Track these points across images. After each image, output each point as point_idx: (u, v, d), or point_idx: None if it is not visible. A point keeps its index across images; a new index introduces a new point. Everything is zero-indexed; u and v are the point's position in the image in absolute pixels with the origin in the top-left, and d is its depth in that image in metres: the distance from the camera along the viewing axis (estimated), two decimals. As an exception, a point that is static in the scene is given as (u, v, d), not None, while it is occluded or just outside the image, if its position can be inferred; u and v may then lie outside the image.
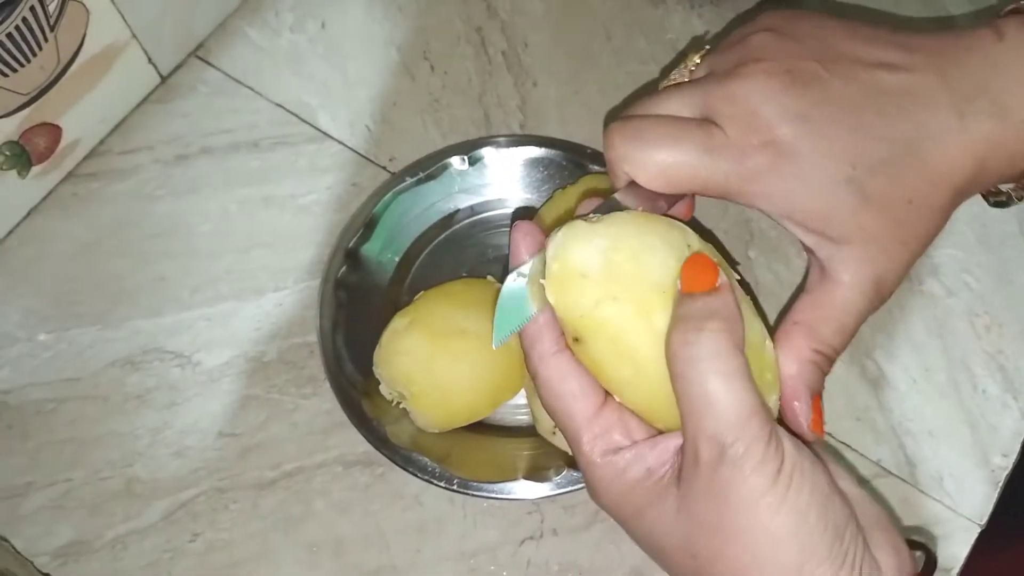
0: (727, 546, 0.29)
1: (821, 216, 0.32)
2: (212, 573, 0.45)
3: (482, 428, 0.47)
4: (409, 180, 0.50)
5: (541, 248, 0.32)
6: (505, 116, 0.56)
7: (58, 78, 0.48)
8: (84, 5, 0.47)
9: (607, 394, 0.32)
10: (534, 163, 0.52)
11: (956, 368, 0.50)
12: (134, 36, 0.52)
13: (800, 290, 0.34)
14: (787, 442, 0.29)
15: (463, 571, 0.45)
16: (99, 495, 0.46)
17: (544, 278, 0.31)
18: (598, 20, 0.59)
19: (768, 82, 0.32)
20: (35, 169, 0.51)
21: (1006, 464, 0.48)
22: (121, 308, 0.50)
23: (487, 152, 0.51)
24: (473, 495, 0.44)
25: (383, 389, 0.45)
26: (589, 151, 0.52)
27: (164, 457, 0.47)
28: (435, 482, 0.44)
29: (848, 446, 0.48)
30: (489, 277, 0.48)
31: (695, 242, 0.32)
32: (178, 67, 0.57)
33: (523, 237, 0.32)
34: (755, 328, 0.32)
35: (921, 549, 0.32)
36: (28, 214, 0.52)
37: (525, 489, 0.44)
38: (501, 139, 0.51)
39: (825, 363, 0.33)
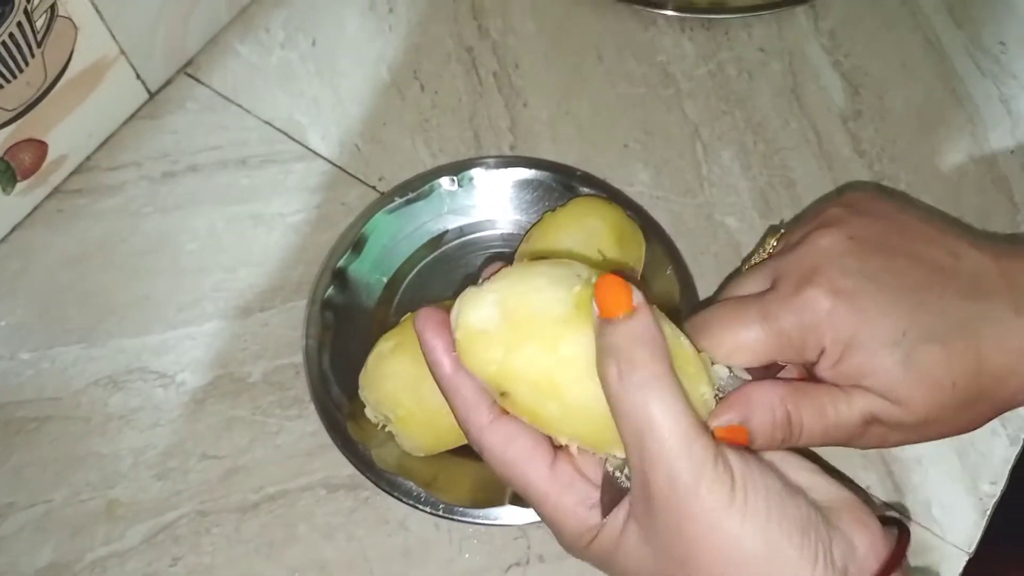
0: (700, 573, 0.29)
1: (864, 370, 0.32)
2: (193, 598, 0.44)
3: (468, 452, 0.46)
4: (398, 200, 0.50)
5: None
6: (495, 137, 0.56)
7: (45, 94, 0.48)
8: (72, 21, 0.47)
9: (556, 447, 0.32)
10: (524, 184, 0.51)
11: (945, 394, 0.50)
12: (122, 52, 0.52)
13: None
14: (731, 455, 0.29)
15: (448, 597, 0.45)
16: (80, 517, 0.46)
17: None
18: (589, 42, 0.59)
19: (834, 244, 0.33)
20: (20, 185, 0.50)
21: (994, 491, 0.48)
22: (105, 326, 0.50)
23: (477, 173, 0.51)
24: (459, 520, 0.44)
25: (369, 412, 0.44)
26: (579, 173, 0.52)
27: (146, 479, 0.47)
28: (420, 507, 0.43)
29: (837, 472, 0.48)
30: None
31: (584, 271, 0.32)
32: (167, 83, 0.57)
33: (426, 325, 0.33)
34: (666, 330, 0.32)
35: (893, 523, 0.32)
36: (12, 230, 0.52)
37: (511, 514, 0.43)
38: (491, 160, 0.51)
39: (784, 430, 0.32)
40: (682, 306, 0.47)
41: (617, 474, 0.31)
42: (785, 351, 0.33)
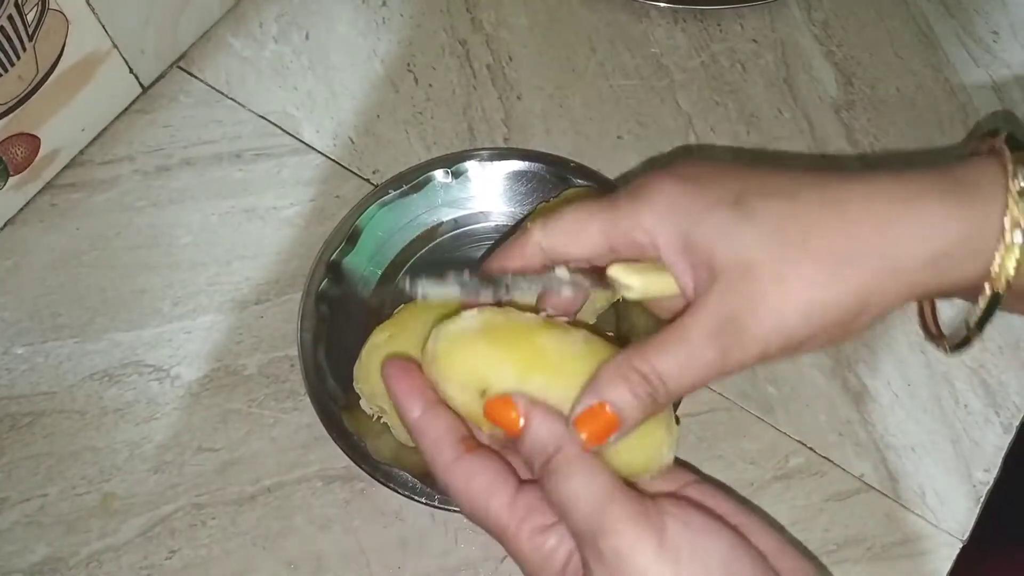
0: None
1: (710, 244, 0.31)
2: (189, 590, 0.44)
3: (464, 443, 0.46)
4: (392, 193, 0.50)
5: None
6: (489, 129, 0.56)
7: (37, 88, 0.48)
8: (64, 15, 0.47)
9: (520, 481, 0.32)
10: (518, 176, 0.51)
11: (939, 383, 0.50)
12: (115, 46, 0.51)
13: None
14: (668, 515, 0.29)
15: (444, 588, 0.45)
16: (75, 511, 0.46)
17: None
18: (582, 34, 0.59)
19: (659, 174, 0.33)
20: (13, 179, 0.50)
21: (988, 479, 0.48)
22: (100, 320, 0.50)
23: (471, 165, 0.51)
24: (454, 511, 0.44)
25: (363, 404, 0.44)
26: (573, 164, 0.51)
27: (142, 472, 0.47)
28: (416, 498, 0.44)
29: (830, 460, 0.48)
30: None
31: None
32: (160, 77, 0.56)
33: (392, 372, 0.34)
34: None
35: None
36: (5, 225, 0.52)
37: (507, 505, 0.43)
38: (485, 152, 0.51)
39: (644, 388, 0.31)
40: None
41: None
42: (625, 243, 0.33)
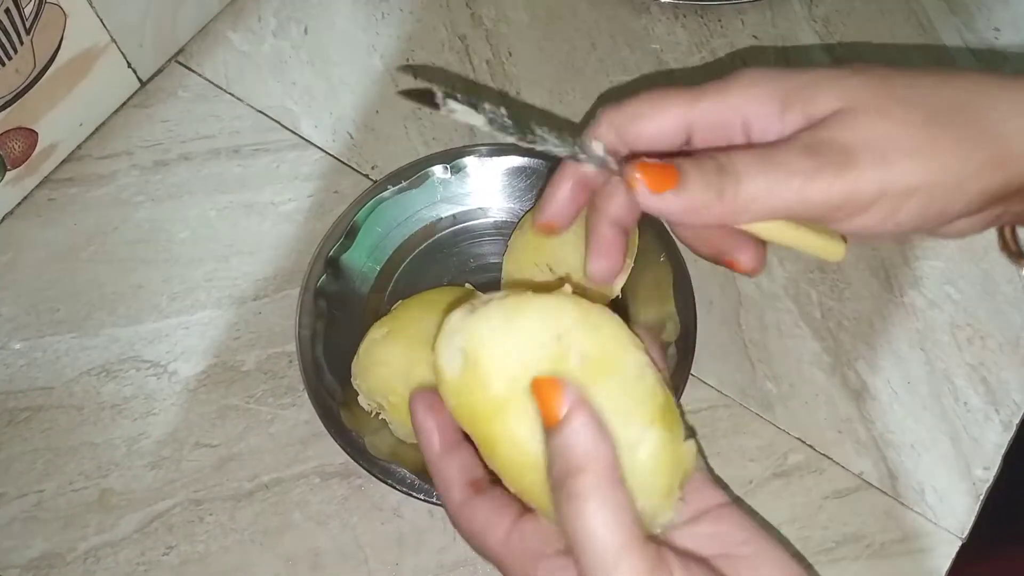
0: None
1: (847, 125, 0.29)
2: (187, 586, 0.44)
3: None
4: (391, 188, 0.50)
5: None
6: (489, 124, 0.55)
7: (34, 82, 0.48)
8: (61, 8, 0.47)
9: (523, 510, 0.32)
10: (517, 172, 0.51)
11: (938, 380, 0.50)
12: (113, 40, 0.51)
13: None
14: (675, 568, 0.28)
15: (442, 584, 0.45)
16: (72, 506, 0.46)
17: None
18: (582, 30, 0.59)
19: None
20: (10, 174, 0.50)
21: (988, 477, 0.48)
22: (98, 316, 0.50)
23: (470, 161, 0.51)
24: (453, 507, 0.44)
25: (362, 400, 0.44)
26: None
27: (139, 468, 0.47)
28: (414, 494, 0.43)
29: (829, 458, 0.48)
30: (468, 285, 0.48)
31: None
32: (158, 72, 0.56)
33: (419, 407, 0.34)
34: (631, 429, 0.30)
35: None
36: (3, 219, 0.52)
37: (505, 501, 0.43)
38: (484, 148, 0.51)
39: (712, 165, 0.29)
40: (676, 294, 0.47)
41: None
42: (707, 124, 0.31)
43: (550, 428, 0.28)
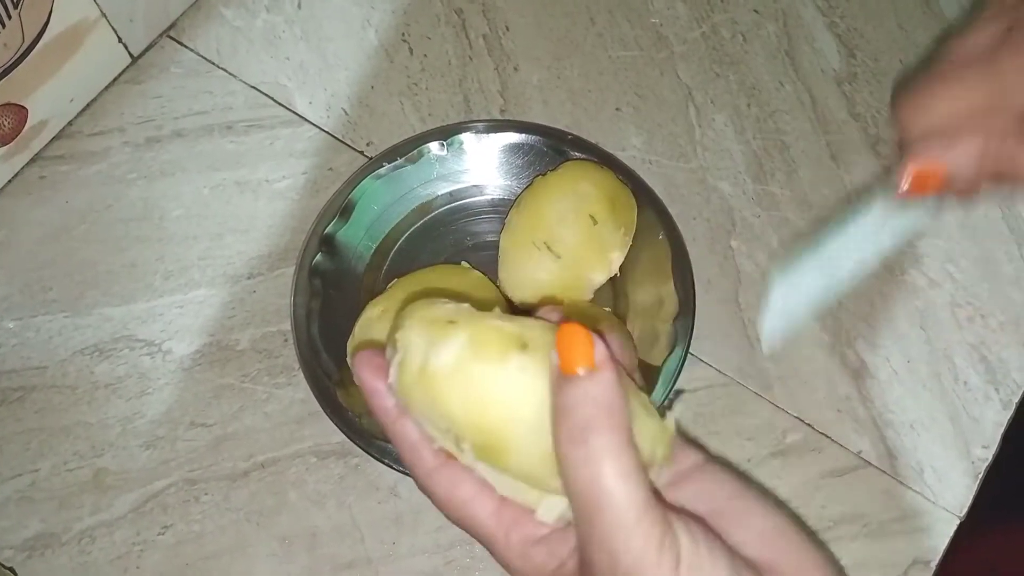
0: None
1: None
2: (182, 566, 0.44)
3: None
4: (386, 165, 0.49)
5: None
6: (485, 101, 0.55)
7: (23, 57, 0.47)
8: (50, -18, 0.46)
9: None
10: (514, 149, 0.51)
11: (938, 359, 0.49)
12: (103, 14, 0.50)
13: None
14: (681, 533, 0.27)
15: (439, 564, 0.44)
16: (67, 486, 0.45)
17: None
18: (581, 4, 0.58)
19: None
20: (0, 151, 0.49)
21: (987, 456, 0.48)
22: (90, 295, 0.49)
23: (466, 137, 0.50)
24: (449, 487, 0.43)
25: (357, 379, 0.44)
26: (570, 137, 0.51)
27: (134, 448, 0.46)
28: (410, 474, 0.43)
29: (828, 437, 0.48)
30: (464, 263, 0.47)
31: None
32: (150, 47, 0.55)
33: (364, 369, 0.31)
34: (639, 397, 0.29)
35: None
36: (-6, 197, 0.51)
37: (502, 481, 0.43)
38: (480, 124, 0.50)
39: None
40: (674, 272, 0.47)
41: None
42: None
43: (570, 377, 0.27)
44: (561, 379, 0.27)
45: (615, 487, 0.26)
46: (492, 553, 0.31)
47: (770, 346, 0.33)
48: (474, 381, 0.28)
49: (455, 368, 0.28)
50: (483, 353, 0.28)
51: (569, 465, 0.27)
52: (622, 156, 0.52)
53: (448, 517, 0.32)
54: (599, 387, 0.26)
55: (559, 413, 0.27)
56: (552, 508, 0.30)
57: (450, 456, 0.30)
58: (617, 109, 0.55)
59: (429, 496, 0.31)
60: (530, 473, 0.29)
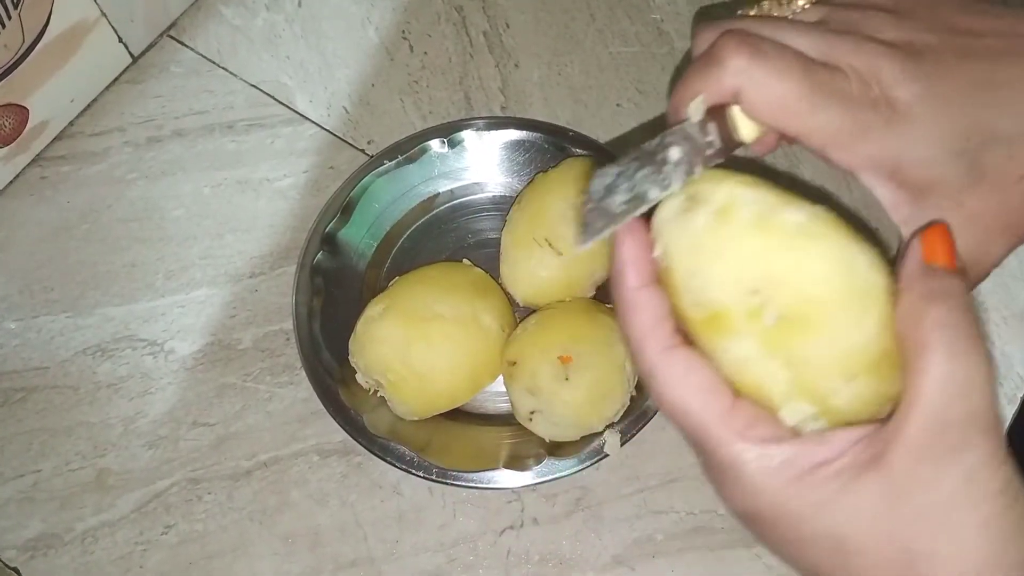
0: (950, 543, 0.25)
1: (925, 184, 0.30)
2: (185, 566, 0.44)
3: (462, 416, 0.46)
4: (388, 163, 0.49)
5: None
6: (486, 98, 0.55)
7: (23, 57, 0.47)
8: (49, -19, 0.46)
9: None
10: (515, 146, 0.51)
11: (942, 354, 0.49)
12: (103, 14, 0.50)
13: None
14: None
15: (442, 562, 0.44)
16: (69, 487, 0.45)
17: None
18: (581, 0, 0.58)
19: (891, 47, 0.31)
20: (1, 151, 0.49)
21: (992, 451, 0.47)
22: (92, 295, 0.49)
23: (467, 135, 0.50)
24: (452, 484, 0.43)
25: (360, 378, 0.44)
26: (571, 133, 0.51)
27: (136, 447, 0.46)
28: (414, 472, 0.43)
29: (833, 433, 0.47)
30: (465, 261, 0.47)
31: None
32: (150, 47, 0.55)
33: (628, 243, 0.29)
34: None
35: None
36: (-5, 198, 0.51)
37: (505, 478, 0.43)
38: (481, 121, 0.50)
39: None
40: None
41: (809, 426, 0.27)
42: (815, 143, 0.30)
43: (936, 264, 0.27)
44: (926, 266, 0.27)
45: (969, 364, 0.26)
46: (704, 451, 0.28)
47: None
48: (820, 243, 0.26)
49: (798, 229, 0.26)
50: (825, 218, 0.27)
51: (941, 341, 0.26)
52: (623, 153, 0.52)
53: (664, 407, 0.28)
54: (959, 280, 0.27)
55: (928, 296, 0.26)
56: (797, 411, 0.27)
57: (687, 342, 0.28)
58: (618, 105, 0.55)
59: (651, 378, 0.28)
60: (821, 362, 0.27)
